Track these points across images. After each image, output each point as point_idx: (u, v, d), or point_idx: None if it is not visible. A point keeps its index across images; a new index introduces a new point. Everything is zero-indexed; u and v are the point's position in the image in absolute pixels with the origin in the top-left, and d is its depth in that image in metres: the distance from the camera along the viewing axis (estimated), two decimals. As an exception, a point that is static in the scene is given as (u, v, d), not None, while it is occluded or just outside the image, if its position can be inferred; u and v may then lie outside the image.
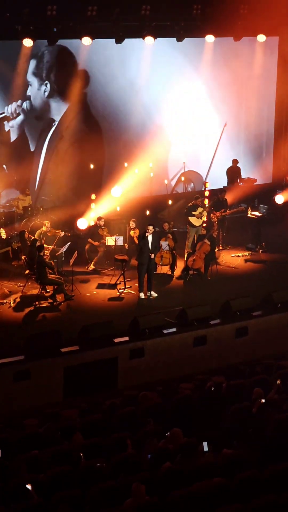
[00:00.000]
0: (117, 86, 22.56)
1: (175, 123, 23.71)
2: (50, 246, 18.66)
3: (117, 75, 22.47)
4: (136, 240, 18.83)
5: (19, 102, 21.36)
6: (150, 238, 17.90)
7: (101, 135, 22.86)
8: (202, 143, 24.42)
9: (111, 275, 19.12)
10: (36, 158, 22.04)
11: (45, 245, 18.16)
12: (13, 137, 21.57)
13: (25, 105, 21.52)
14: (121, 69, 22.48)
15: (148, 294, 18.07)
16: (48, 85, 21.69)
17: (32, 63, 21.32)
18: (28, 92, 21.52)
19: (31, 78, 21.49)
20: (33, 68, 21.39)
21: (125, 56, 22.33)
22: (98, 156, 22.68)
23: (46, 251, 17.99)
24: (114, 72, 22.40)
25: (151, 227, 17.94)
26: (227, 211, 21.78)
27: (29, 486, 9.91)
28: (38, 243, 18.13)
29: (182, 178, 24.13)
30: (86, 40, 20.47)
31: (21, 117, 21.50)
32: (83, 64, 21.97)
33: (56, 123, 22.10)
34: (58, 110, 22.07)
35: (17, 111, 21.40)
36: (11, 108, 21.29)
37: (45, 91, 21.73)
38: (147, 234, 17.90)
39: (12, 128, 21.49)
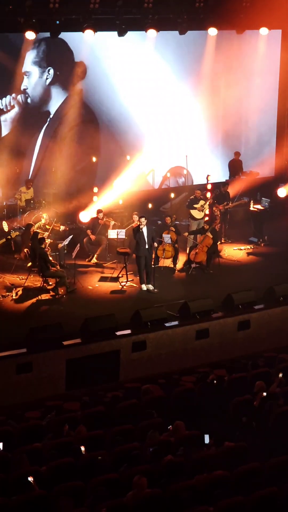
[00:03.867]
0: (118, 80, 22.48)
1: (176, 116, 23.63)
2: (50, 240, 18.64)
3: (118, 68, 22.39)
4: None
5: (13, 95, 21.26)
6: (145, 230, 17.94)
7: (103, 129, 22.81)
8: (203, 136, 24.37)
9: (113, 268, 19.12)
10: (30, 152, 21.92)
11: (47, 240, 18.18)
12: (5, 131, 21.39)
13: (21, 98, 21.42)
14: (121, 63, 22.40)
15: (146, 287, 18.08)
16: (51, 71, 21.57)
17: (32, 53, 21.17)
18: (24, 85, 21.41)
19: (30, 68, 21.30)
20: (33, 57, 21.24)
21: (126, 49, 22.24)
22: (101, 150, 22.65)
23: (47, 244, 17.99)
24: (115, 65, 22.32)
25: (143, 219, 18.00)
26: (230, 204, 21.77)
27: (30, 478, 9.94)
28: (39, 236, 18.12)
29: (168, 174, 24.07)
30: (89, 33, 20.41)
31: (15, 110, 21.39)
32: (82, 56, 21.84)
33: (52, 115, 21.97)
34: (57, 99, 21.94)
35: (12, 104, 21.29)
36: (5, 101, 21.19)
37: (47, 78, 21.57)
38: (141, 226, 17.95)
39: (5, 122, 21.35)
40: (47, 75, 21.58)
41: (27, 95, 21.51)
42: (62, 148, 22.06)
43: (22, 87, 21.36)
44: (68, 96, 22.03)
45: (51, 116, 22.03)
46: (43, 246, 17.52)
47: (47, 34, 20.45)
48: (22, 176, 21.56)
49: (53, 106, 22.04)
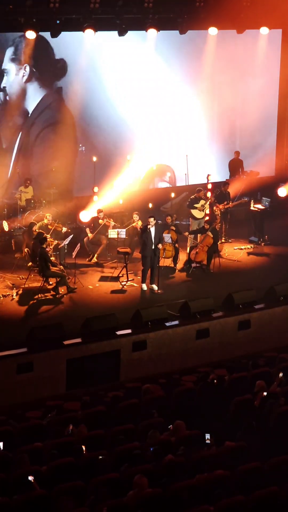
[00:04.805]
0: (117, 79, 22.45)
1: (176, 116, 23.62)
2: (55, 241, 18.64)
3: (118, 68, 22.35)
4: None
5: None
6: (152, 230, 17.90)
7: (102, 128, 22.78)
8: (203, 136, 24.36)
9: (113, 268, 19.12)
10: (9, 153, 21.79)
11: (52, 241, 18.18)
12: None
13: None
14: (121, 62, 22.37)
15: (150, 287, 18.07)
16: (27, 68, 21.39)
17: (9, 51, 21.03)
18: (4, 83, 21.27)
19: (7, 65, 21.15)
20: (10, 55, 21.07)
21: (125, 49, 22.19)
22: (101, 149, 22.63)
23: (48, 245, 18.00)
24: (114, 65, 22.28)
25: (152, 219, 17.95)
26: (230, 203, 21.76)
27: (31, 478, 9.95)
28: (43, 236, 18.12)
29: (154, 167, 24.05)
30: (89, 32, 20.41)
31: None
32: (63, 54, 21.78)
33: (30, 113, 21.83)
34: (34, 97, 21.79)
35: None
36: None
37: (23, 75, 21.44)
38: (149, 226, 17.92)
39: None
40: (23, 73, 21.45)
41: (6, 94, 21.40)
42: (34, 148, 21.92)
43: (2, 85, 21.28)
44: (46, 94, 21.88)
45: (29, 114, 21.91)
46: (44, 246, 17.54)
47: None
48: (16, 176, 21.50)
49: (31, 104, 21.83)
